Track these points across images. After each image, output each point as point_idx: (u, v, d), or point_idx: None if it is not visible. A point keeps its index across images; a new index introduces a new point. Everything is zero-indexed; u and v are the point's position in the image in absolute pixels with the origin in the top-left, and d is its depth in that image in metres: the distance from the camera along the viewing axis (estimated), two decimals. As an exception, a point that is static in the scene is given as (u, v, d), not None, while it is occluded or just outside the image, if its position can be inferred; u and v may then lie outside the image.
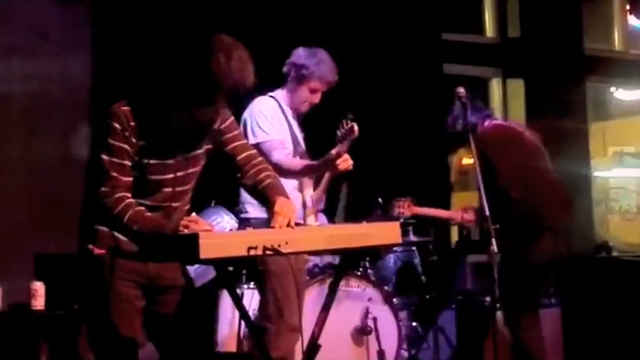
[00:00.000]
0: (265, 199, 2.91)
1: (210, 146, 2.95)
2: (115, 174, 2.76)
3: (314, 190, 4.12)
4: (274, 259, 3.48)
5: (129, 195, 2.78)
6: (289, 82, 4.03)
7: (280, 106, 3.99)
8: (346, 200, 6.11)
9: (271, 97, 4.02)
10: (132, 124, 2.77)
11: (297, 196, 3.91)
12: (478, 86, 7.99)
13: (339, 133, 3.76)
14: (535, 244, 4.35)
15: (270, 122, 3.89)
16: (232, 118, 3.02)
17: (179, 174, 2.88)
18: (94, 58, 5.92)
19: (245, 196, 3.70)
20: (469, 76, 7.73)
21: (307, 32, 6.40)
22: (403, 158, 6.76)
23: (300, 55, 4.02)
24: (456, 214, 5.37)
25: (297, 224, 2.78)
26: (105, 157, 2.77)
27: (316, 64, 3.89)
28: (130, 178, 2.79)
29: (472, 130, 4.21)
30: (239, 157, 2.98)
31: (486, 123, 4.57)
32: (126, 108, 2.79)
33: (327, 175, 4.11)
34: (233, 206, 4.18)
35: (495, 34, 8.17)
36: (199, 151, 2.92)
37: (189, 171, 2.92)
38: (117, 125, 2.77)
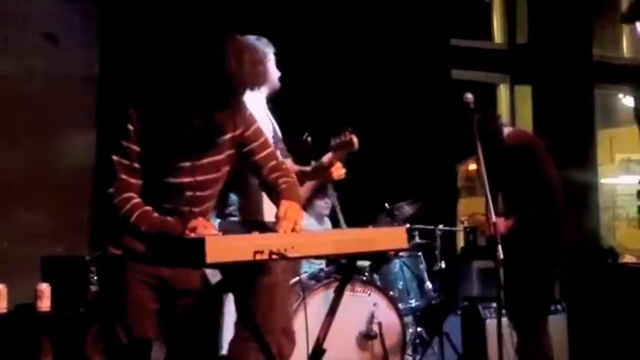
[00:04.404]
0: (277, 203, 2.92)
1: (232, 151, 2.94)
2: (123, 176, 2.77)
3: None
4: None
5: (136, 196, 2.78)
6: None
7: (261, 102, 3.88)
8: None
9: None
10: (148, 125, 2.78)
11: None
12: (486, 92, 7.99)
13: (333, 141, 3.68)
14: (560, 243, 4.43)
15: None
16: (257, 124, 3.02)
17: (199, 178, 2.87)
18: (101, 55, 5.94)
19: (235, 198, 3.55)
20: (477, 82, 7.74)
21: (314, 37, 6.44)
22: (410, 163, 6.77)
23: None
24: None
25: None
26: (115, 157, 2.78)
27: (257, 40, 3.61)
28: (139, 181, 2.79)
29: (494, 138, 4.28)
30: (265, 169, 3.00)
31: (508, 130, 4.58)
32: (142, 110, 2.80)
33: (310, 183, 3.92)
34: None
35: (504, 40, 8.17)
36: (220, 157, 2.91)
37: (210, 176, 2.91)
38: (130, 127, 2.77)
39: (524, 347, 4.40)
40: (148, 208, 2.76)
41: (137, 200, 2.77)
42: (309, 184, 3.84)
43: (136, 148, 2.77)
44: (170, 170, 2.82)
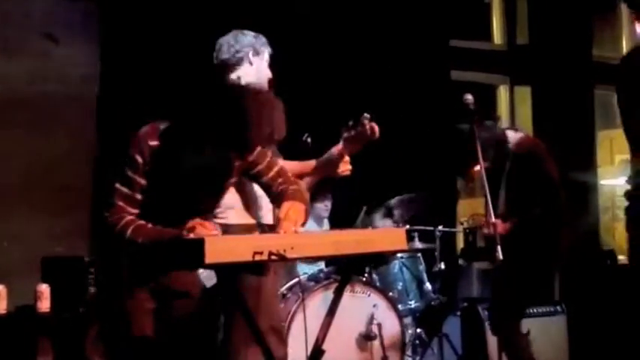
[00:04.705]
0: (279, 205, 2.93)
1: (236, 179, 2.99)
2: (121, 203, 2.79)
3: None
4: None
5: (127, 215, 2.80)
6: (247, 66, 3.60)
7: None
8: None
9: None
10: (153, 160, 2.78)
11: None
12: (486, 93, 7.99)
13: (347, 133, 3.37)
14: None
15: None
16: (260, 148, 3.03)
17: (209, 203, 2.92)
18: (102, 54, 5.94)
19: (226, 201, 3.35)
20: (477, 83, 7.74)
21: (314, 37, 6.44)
22: (410, 164, 6.76)
23: (235, 39, 3.54)
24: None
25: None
26: (118, 186, 2.80)
27: (254, 37, 3.52)
28: (136, 210, 2.82)
29: (501, 141, 4.29)
30: (273, 187, 3.01)
31: (512, 133, 4.55)
32: (156, 144, 2.79)
33: (310, 179, 3.65)
34: None
35: (503, 41, 8.17)
36: (232, 180, 2.97)
37: (220, 199, 2.96)
38: (139, 158, 2.78)
39: (506, 349, 4.39)
40: (141, 221, 2.77)
41: (129, 217, 2.79)
42: (308, 180, 3.69)
43: (141, 180, 2.79)
44: (180, 200, 2.83)
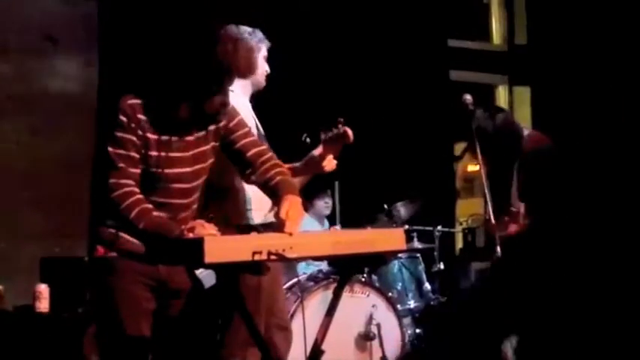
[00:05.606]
0: (276, 197, 2.88)
1: (217, 144, 2.93)
2: (122, 164, 2.74)
3: None
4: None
5: (137, 190, 2.76)
6: None
7: (246, 102, 3.82)
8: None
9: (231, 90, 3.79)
10: (139, 116, 2.76)
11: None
12: (485, 93, 7.99)
13: (324, 135, 3.53)
14: None
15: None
16: (240, 116, 3.00)
17: (186, 169, 2.87)
18: (101, 55, 5.94)
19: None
20: (475, 83, 7.74)
21: (313, 37, 6.45)
22: (409, 164, 6.77)
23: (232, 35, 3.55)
24: None
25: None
26: (111, 149, 2.75)
27: (250, 34, 3.50)
28: (138, 170, 2.77)
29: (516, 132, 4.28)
30: (249, 154, 2.95)
31: (527, 133, 4.51)
32: (134, 101, 2.79)
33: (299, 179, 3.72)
34: None
35: (502, 41, 8.17)
36: (206, 147, 2.91)
37: (197, 167, 2.91)
38: (123, 118, 2.76)
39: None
40: (149, 205, 2.75)
41: (138, 196, 2.74)
42: (300, 178, 3.65)
43: (130, 137, 2.76)
44: (160, 161, 2.81)
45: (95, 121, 5.88)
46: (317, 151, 3.54)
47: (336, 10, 6.62)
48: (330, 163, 3.55)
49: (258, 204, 3.37)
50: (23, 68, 5.72)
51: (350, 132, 3.48)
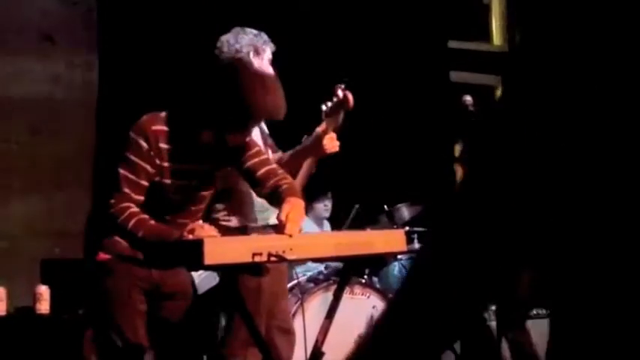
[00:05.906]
0: (279, 201, 2.89)
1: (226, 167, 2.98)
2: (127, 190, 2.75)
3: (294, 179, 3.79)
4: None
5: (134, 206, 2.77)
6: None
7: None
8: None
9: None
10: (162, 145, 2.76)
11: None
12: (485, 94, 7.98)
13: (325, 106, 3.42)
14: None
15: None
16: (251, 137, 3.02)
17: (196, 193, 2.90)
18: (101, 55, 5.93)
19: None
20: (476, 84, 7.73)
21: (313, 38, 6.44)
22: (409, 165, 6.76)
23: (236, 38, 3.53)
24: None
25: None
26: (122, 170, 2.76)
27: (255, 36, 3.52)
28: (142, 198, 2.78)
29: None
30: (258, 173, 2.96)
31: None
32: (158, 128, 2.78)
33: (307, 162, 3.62)
34: None
35: (502, 42, 8.16)
36: (217, 172, 2.97)
37: (206, 192, 2.94)
38: (143, 144, 2.75)
39: (512, 348, 4.38)
40: (145, 216, 2.76)
41: (134, 209, 2.76)
42: (302, 174, 3.62)
43: (145, 166, 2.76)
44: (171, 188, 2.82)
45: (95, 121, 5.87)
46: (320, 127, 3.43)
47: (336, 10, 6.61)
48: (331, 143, 3.44)
49: (265, 206, 3.35)
50: (23, 68, 5.72)
51: (350, 95, 3.39)
